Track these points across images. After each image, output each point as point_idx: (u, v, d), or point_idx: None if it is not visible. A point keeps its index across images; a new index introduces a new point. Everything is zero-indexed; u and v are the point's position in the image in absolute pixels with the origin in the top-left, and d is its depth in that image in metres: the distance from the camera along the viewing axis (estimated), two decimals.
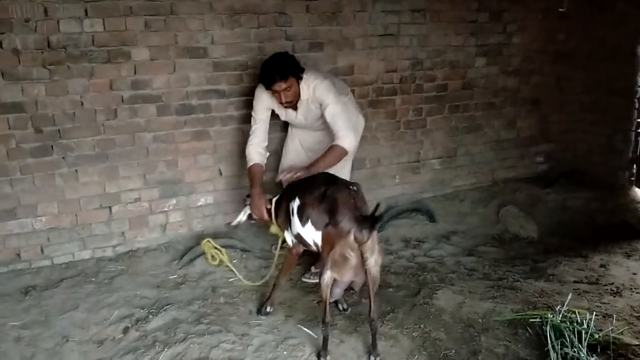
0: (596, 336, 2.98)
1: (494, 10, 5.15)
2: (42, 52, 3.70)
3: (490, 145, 5.53)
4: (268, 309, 3.47)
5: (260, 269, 4.05)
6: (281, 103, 3.73)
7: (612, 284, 3.72)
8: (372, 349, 3.01)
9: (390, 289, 3.76)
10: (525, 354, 2.99)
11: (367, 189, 4.83)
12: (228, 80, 4.23)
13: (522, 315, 3.28)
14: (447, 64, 5.09)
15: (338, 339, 3.18)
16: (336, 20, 4.52)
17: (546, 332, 3.00)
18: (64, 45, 3.74)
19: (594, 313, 3.14)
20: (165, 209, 4.29)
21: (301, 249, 3.35)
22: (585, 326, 3.02)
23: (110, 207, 4.12)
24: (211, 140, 4.31)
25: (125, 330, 3.34)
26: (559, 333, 3.00)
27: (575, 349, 2.86)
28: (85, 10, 3.74)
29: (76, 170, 3.97)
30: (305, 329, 3.29)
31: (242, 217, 3.73)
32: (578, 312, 3.14)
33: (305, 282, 3.90)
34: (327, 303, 2.95)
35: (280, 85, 3.59)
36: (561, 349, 2.89)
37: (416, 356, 3.03)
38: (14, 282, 3.83)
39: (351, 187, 3.08)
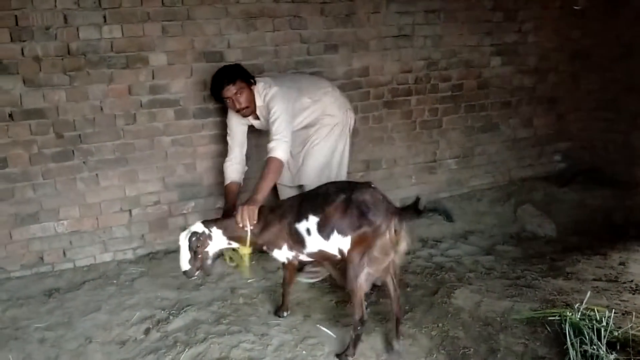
0: (615, 333, 2.95)
1: (509, 9, 5.15)
2: (62, 59, 3.77)
3: (506, 144, 5.53)
4: (284, 314, 3.49)
5: (277, 270, 4.08)
6: (237, 111, 3.69)
7: (632, 281, 3.69)
8: (396, 336, 3.08)
9: (409, 289, 3.77)
10: (544, 352, 2.99)
11: (384, 189, 4.82)
12: None
13: (540, 313, 3.27)
14: (462, 64, 5.10)
15: None
16: (350, 22, 4.54)
17: (565, 330, 2.98)
18: (84, 52, 3.81)
19: (613, 310, 3.11)
20: (184, 212, 4.34)
21: (297, 261, 3.31)
22: (604, 324, 2.99)
23: (130, 211, 4.18)
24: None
25: (147, 331, 3.38)
26: (577, 331, 2.98)
27: (594, 347, 2.84)
28: (104, 17, 3.80)
29: (97, 175, 4.04)
30: (323, 329, 3.31)
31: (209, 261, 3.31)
32: (597, 310, 3.11)
33: (301, 281, 3.89)
34: (364, 301, 2.98)
35: (230, 90, 3.60)
36: (580, 346, 2.87)
37: (435, 355, 3.04)
38: (38, 285, 3.90)
39: (372, 186, 3.09)
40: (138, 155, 4.12)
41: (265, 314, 3.53)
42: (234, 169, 3.79)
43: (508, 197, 5.24)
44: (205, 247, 3.19)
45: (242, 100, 3.64)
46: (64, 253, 4.08)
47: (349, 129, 4.09)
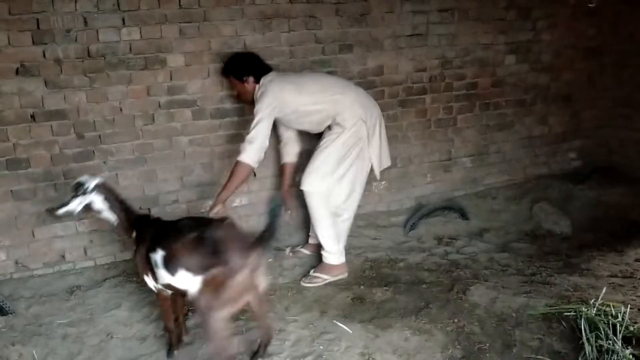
0: (631, 329, 2.97)
1: (523, 7, 5.15)
2: (82, 61, 3.84)
3: (521, 142, 5.53)
4: (175, 352, 3.20)
5: (294, 267, 4.14)
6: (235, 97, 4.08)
7: None
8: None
9: (424, 285, 3.80)
10: (559, 347, 3.01)
11: (399, 188, 4.94)
12: None
13: (556, 309, 3.29)
14: (476, 62, 5.11)
15: (373, 334, 3.24)
16: (365, 22, 4.58)
17: (580, 326, 3.00)
18: (103, 54, 3.88)
19: (629, 306, 3.13)
20: (202, 210, 4.40)
21: (169, 292, 3.03)
22: (620, 319, 3.02)
23: (149, 209, 4.25)
24: None
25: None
26: (593, 326, 3.00)
27: (610, 342, 2.86)
28: (123, 20, 3.87)
29: (116, 174, 4.11)
30: (340, 325, 3.35)
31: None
32: (613, 306, 3.14)
33: (304, 285, 3.92)
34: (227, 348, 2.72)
35: (229, 80, 4.02)
36: (596, 341, 2.89)
37: (450, 350, 3.07)
38: (60, 283, 3.98)
39: (228, 221, 2.87)
40: (157, 155, 4.18)
41: (282, 310, 3.58)
42: (290, 148, 4.17)
43: (523, 195, 5.25)
44: None
45: (236, 91, 4.01)
46: (85, 251, 4.16)
47: (362, 140, 3.92)
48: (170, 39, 4.02)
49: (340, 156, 3.86)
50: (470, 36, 5.01)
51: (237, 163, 3.63)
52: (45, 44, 3.73)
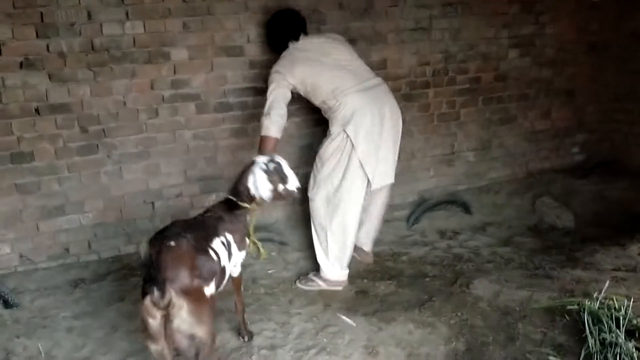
0: (634, 322, 2.97)
1: (526, 1, 5.16)
2: (86, 55, 3.85)
3: (524, 136, 5.54)
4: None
5: (298, 260, 4.15)
6: None
7: None
8: None
9: (427, 279, 3.82)
10: (562, 340, 3.02)
11: (402, 182, 4.93)
12: (264, 78, 4.27)
13: (559, 302, 3.30)
14: (479, 57, 5.11)
15: (376, 327, 3.26)
16: (368, 16, 4.58)
17: (584, 319, 3.00)
18: (107, 48, 3.89)
19: (632, 299, 3.12)
20: (206, 204, 4.40)
21: None
22: (623, 312, 3.01)
23: (153, 203, 4.26)
24: (249, 136, 4.41)
25: None
26: (596, 319, 3.00)
27: (613, 334, 2.86)
28: (127, 13, 3.88)
29: (120, 168, 4.11)
30: (343, 318, 3.37)
31: None
32: (616, 299, 3.14)
33: (298, 285, 3.87)
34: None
35: None
36: (599, 334, 2.89)
37: (454, 343, 3.09)
38: (64, 276, 3.99)
39: (171, 242, 2.53)
40: (160, 148, 4.19)
41: (286, 303, 3.60)
42: (278, 122, 3.68)
43: (526, 189, 5.26)
44: None
45: None
46: (89, 245, 4.17)
47: (345, 153, 3.71)
48: (174, 33, 4.03)
49: (329, 164, 3.75)
50: (473, 30, 5.01)
51: (260, 138, 3.62)
52: (49, 37, 3.74)
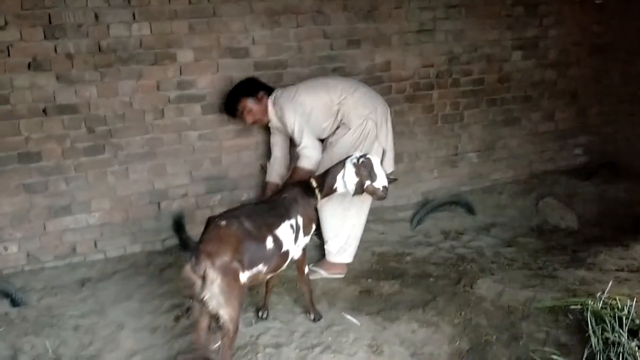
0: (637, 321, 2.98)
1: (530, 3, 5.19)
2: (93, 56, 3.88)
3: (528, 138, 5.56)
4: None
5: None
6: (253, 123, 4.04)
7: None
8: None
9: (431, 279, 3.84)
10: (566, 339, 3.04)
11: (406, 183, 4.96)
12: (269, 79, 4.34)
13: (562, 302, 3.31)
14: (483, 58, 5.14)
15: (381, 326, 3.28)
16: (372, 18, 4.62)
17: (587, 318, 3.02)
18: (114, 49, 3.92)
19: (635, 299, 3.14)
20: (211, 204, 4.45)
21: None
22: (625, 312, 3.03)
23: (159, 203, 4.30)
24: (253, 137, 4.45)
25: (177, 319, 3.48)
26: (599, 319, 3.02)
27: (616, 334, 2.88)
28: (134, 15, 3.91)
29: (127, 168, 4.15)
30: (348, 317, 3.39)
31: None
32: (619, 299, 3.15)
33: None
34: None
35: (244, 103, 3.92)
36: (602, 334, 2.91)
37: (458, 342, 3.11)
38: (71, 275, 4.02)
39: (223, 221, 2.80)
40: (166, 149, 4.22)
41: (290, 302, 3.62)
42: (274, 170, 4.12)
43: (530, 191, 5.28)
44: None
45: (250, 116, 3.97)
46: (96, 244, 4.20)
47: (369, 138, 3.95)
48: (180, 35, 4.06)
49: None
50: (477, 32, 5.04)
51: (296, 169, 3.77)
52: (57, 38, 3.78)
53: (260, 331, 3.26)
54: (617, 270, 3.79)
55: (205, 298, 2.58)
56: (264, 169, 4.46)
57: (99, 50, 3.89)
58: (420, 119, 5.02)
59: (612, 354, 2.78)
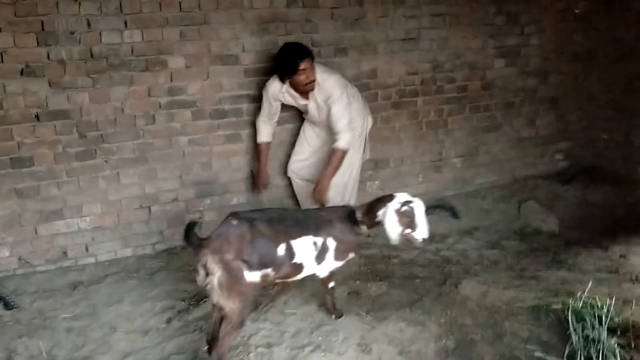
0: (616, 319, 3.09)
1: (512, 12, 5.33)
2: (85, 62, 3.94)
3: (510, 143, 5.69)
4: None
5: None
6: (305, 85, 3.98)
7: (632, 272, 3.83)
8: None
9: (417, 280, 3.92)
10: (548, 337, 3.14)
11: (392, 188, 5.05)
12: (258, 86, 4.44)
13: (544, 301, 3.41)
14: (466, 66, 5.27)
15: (369, 325, 3.35)
16: (359, 26, 4.72)
17: (568, 317, 3.11)
18: (106, 56, 3.98)
19: (614, 298, 3.24)
20: (201, 208, 4.51)
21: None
22: (605, 310, 3.12)
23: (149, 207, 4.35)
24: (243, 142, 4.53)
25: (169, 321, 3.54)
26: (580, 317, 3.11)
27: (595, 332, 2.98)
28: (125, 22, 3.98)
29: (118, 173, 4.21)
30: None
31: None
32: (598, 298, 3.25)
33: None
34: None
35: (307, 62, 3.90)
36: (582, 331, 3.00)
37: (444, 340, 3.19)
38: (62, 279, 4.06)
39: (235, 220, 2.91)
40: (157, 154, 4.29)
41: (281, 304, 3.66)
42: (267, 128, 4.27)
43: (512, 195, 5.40)
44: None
45: (312, 74, 3.96)
46: (87, 248, 4.25)
47: (365, 136, 4.46)
48: (171, 42, 4.14)
49: (353, 158, 4.35)
50: (460, 40, 5.17)
51: (338, 151, 3.99)
52: (50, 45, 3.83)
53: (251, 332, 3.32)
54: (596, 270, 3.90)
55: (207, 288, 2.75)
56: (253, 173, 4.54)
57: (91, 56, 3.95)
58: (406, 125, 5.13)
59: (592, 351, 2.88)
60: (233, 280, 2.75)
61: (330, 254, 3.15)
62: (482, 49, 5.30)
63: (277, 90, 4.14)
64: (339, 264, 3.26)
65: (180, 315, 3.60)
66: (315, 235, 3.07)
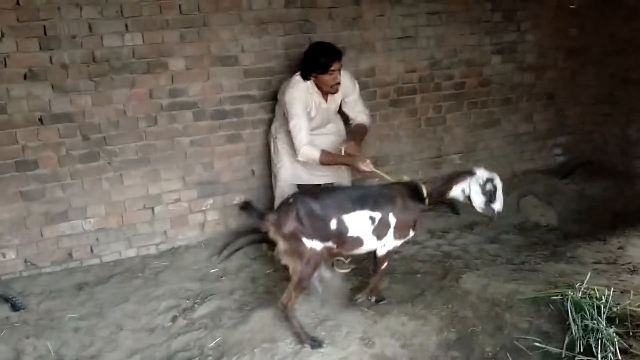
0: (614, 309, 3.14)
1: (508, 9, 5.38)
2: (87, 66, 4.00)
3: (508, 139, 5.75)
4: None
5: None
6: (332, 86, 3.88)
7: (630, 263, 3.89)
8: None
9: (418, 275, 3.98)
10: (547, 327, 3.18)
11: None
12: (258, 86, 4.50)
13: (544, 293, 3.45)
14: (463, 63, 5.32)
15: (372, 320, 3.41)
16: (357, 25, 4.77)
17: (567, 308, 3.16)
18: (107, 59, 4.04)
19: (612, 289, 3.29)
20: (204, 208, 4.56)
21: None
22: (604, 301, 3.17)
23: (152, 208, 4.41)
24: (244, 142, 4.58)
25: (174, 319, 3.61)
26: (579, 308, 3.15)
27: (594, 322, 3.02)
28: (126, 25, 4.03)
29: (121, 174, 4.26)
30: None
31: None
32: (597, 289, 3.30)
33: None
34: None
35: (338, 64, 3.83)
36: (581, 321, 3.05)
37: (445, 333, 3.24)
38: (68, 280, 4.12)
39: (291, 199, 3.34)
40: (159, 155, 4.34)
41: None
42: (312, 147, 3.85)
43: (511, 190, 5.41)
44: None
45: (339, 77, 3.91)
46: (91, 249, 4.30)
47: None
48: (172, 44, 4.19)
49: None
50: (457, 38, 5.22)
51: (365, 126, 4.13)
52: (52, 49, 3.89)
53: (256, 328, 3.37)
54: (594, 262, 3.96)
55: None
56: (254, 174, 4.59)
57: (93, 60, 4.00)
58: (405, 122, 5.18)
59: (591, 340, 2.93)
60: (292, 247, 3.21)
61: (389, 231, 3.38)
62: (478, 46, 5.35)
63: (305, 93, 3.89)
64: (399, 242, 3.48)
65: (185, 313, 3.65)
66: (373, 210, 3.32)
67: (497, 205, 3.41)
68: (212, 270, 4.21)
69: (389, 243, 3.43)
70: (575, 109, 6.01)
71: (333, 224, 3.25)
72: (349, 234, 3.30)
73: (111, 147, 4.19)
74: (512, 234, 4.74)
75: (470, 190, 3.36)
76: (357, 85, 4.17)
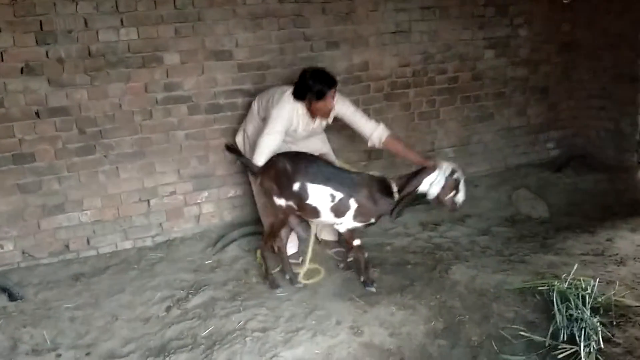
0: (599, 299, 3.22)
1: (501, 4, 5.43)
2: (83, 60, 4.06)
3: (501, 133, 5.80)
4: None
5: None
6: (325, 112, 3.89)
7: (617, 254, 3.97)
8: None
9: (409, 266, 4.04)
10: (533, 317, 3.26)
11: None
12: (252, 80, 4.56)
13: (531, 284, 3.53)
14: (457, 57, 5.37)
15: (362, 309, 3.47)
16: (350, 20, 4.82)
17: (553, 298, 3.23)
18: (103, 53, 4.10)
19: (598, 279, 3.36)
20: (199, 201, 4.63)
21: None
22: (589, 291, 3.25)
23: (148, 201, 4.47)
24: (238, 136, 4.62)
25: (168, 309, 3.67)
26: (564, 298, 3.23)
27: (579, 311, 3.09)
28: (121, 20, 4.09)
29: (117, 167, 4.32)
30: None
31: None
32: (583, 280, 3.37)
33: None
34: None
35: (333, 92, 3.81)
36: (566, 311, 3.12)
37: (433, 322, 3.31)
38: (64, 271, 4.19)
39: (274, 158, 3.69)
40: (155, 148, 4.40)
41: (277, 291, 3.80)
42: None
43: (503, 183, 5.50)
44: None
45: (333, 103, 3.88)
46: (88, 241, 4.37)
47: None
48: (167, 38, 4.25)
49: None
50: (450, 32, 5.27)
51: (394, 136, 4.13)
52: (48, 44, 3.94)
53: (248, 317, 3.44)
54: (582, 254, 4.03)
55: None
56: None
57: (89, 54, 4.06)
58: (398, 116, 5.23)
59: (575, 330, 3.01)
60: (266, 200, 3.74)
61: (348, 213, 3.61)
62: (472, 41, 5.40)
63: (293, 114, 3.88)
64: (356, 224, 3.69)
65: (180, 303, 3.71)
66: (335, 189, 3.57)
67: (460, 196, 3.68)
68: (206, 262, 4.27)
69: (347, 223, 3.66)
70: (568, 103, 6.06)
71: (296, 186, 3.57)
72: (308, 201, 3.60)
73: (107, 141, 4.25)
74: (503, 226, 4.79)
75: (437, 182, 3.59)
76: (348, 100, 4.02)
